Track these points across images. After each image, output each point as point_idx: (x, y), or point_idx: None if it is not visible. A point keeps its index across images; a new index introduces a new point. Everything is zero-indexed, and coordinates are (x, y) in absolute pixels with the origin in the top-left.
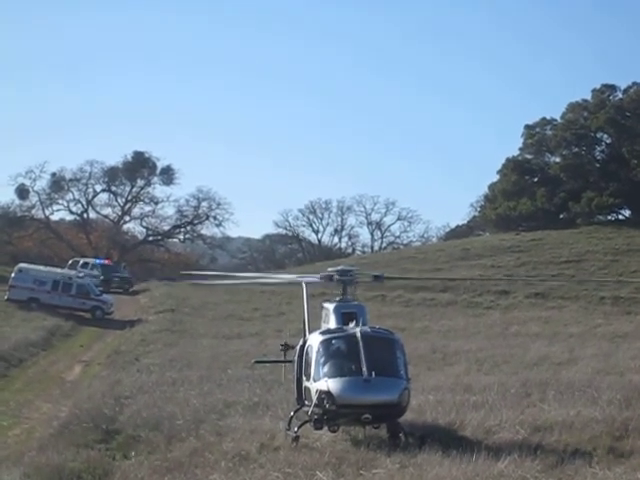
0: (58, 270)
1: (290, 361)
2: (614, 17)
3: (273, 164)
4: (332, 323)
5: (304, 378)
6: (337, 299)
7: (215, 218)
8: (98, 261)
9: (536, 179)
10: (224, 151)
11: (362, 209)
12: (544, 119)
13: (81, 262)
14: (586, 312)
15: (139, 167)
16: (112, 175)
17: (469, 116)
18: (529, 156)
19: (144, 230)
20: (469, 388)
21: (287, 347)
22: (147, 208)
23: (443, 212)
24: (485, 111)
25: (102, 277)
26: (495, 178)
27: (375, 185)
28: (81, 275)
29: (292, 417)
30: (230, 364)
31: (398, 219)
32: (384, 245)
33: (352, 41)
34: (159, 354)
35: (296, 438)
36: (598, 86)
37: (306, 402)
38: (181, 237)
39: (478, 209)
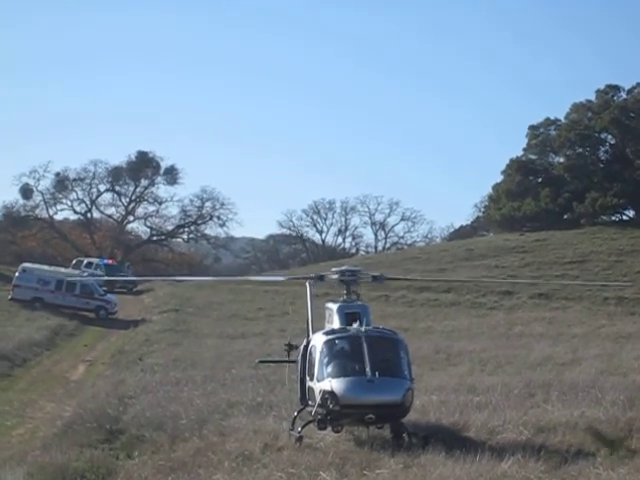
0: (62, 270)
1: (294, 361)
2: (618, 17)
3: (277, 164)
4: (336, 323)
5: (308, 378)
6: (341, 299)
7: (219, 218)
8: (102, 261)
9: (540, 179)
10: (228, 151)
11: (366, 209)
12: (548, 119)
13: (85, 262)
14: (590, 313)
15: (143, 167)
16: (116, 175)
17: (473, 116)
18: (533, 156)
19: (148, 230)
20: (472, 388)
21: (291, 347)
22: (151, 208)
23: (447, 212)
24: (489, 111)
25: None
26: (499, 178)
27: (379, 185)
28: (85, 275)
29: (296, 417)
30: (234, 364)
31: (402, 219)
32: (388, 245)
33: (352, 41)
34: (163, 354)
35: (300, 438)
36: (602, 87)
37: (310, 402)
38: (185, 237)
39: (482, 209)
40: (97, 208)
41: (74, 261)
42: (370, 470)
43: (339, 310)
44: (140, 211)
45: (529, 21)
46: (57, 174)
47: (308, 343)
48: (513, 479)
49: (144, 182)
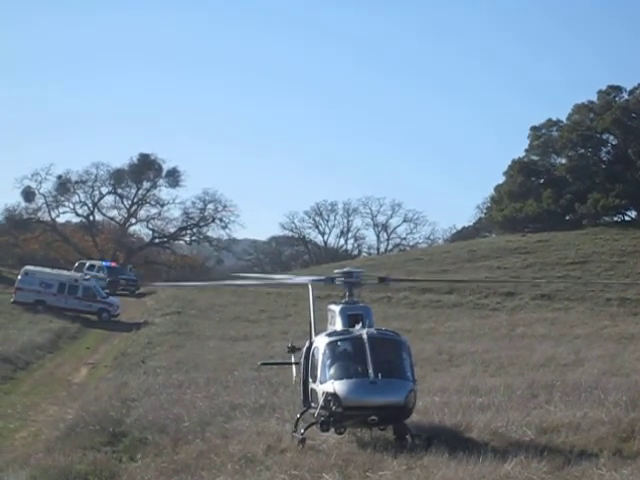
0: (64, 272)
1: (296, 363)
2: (620, 18)
3: (279, 165)
4: (338, 325)
5: (310, 380)
6: (343, 301)
7: (221, 220)
8: (104, 263)
9: (542, 180)
10: (230, 153)
11: (368, 211)
12: (550, 120)
13: (87, 264)
14: (592, 313)
15: (145, 169)
16: (118, 177)
17: (475, 117)
18: (535, 157)
19: (150, 232)
20: (475, 390)
21: (293, 349)
22: (153, 210)
23: (449, 214)
24: (491, 112)
25: (108, 279)
26: (501, 179)
27: (381, 187)
28: (87, 277)
29: (298, 419)
30: (236, 366)
31: (404, 221)
32: (390, 247)
33: (352, 41)
34: (165, 356)
35: (302, 440)
36: (604, 87)
37: (312, 404)
38: (187, 239)
39: (484, 211)
40: (99, 211)
41: (76, 264)
42: (373, 472)
43: (341, 312)
44: (142, 213)
45: (530, 21)
46: (59, 177)
47: (311, 345)
48: None
49: (146, 184)
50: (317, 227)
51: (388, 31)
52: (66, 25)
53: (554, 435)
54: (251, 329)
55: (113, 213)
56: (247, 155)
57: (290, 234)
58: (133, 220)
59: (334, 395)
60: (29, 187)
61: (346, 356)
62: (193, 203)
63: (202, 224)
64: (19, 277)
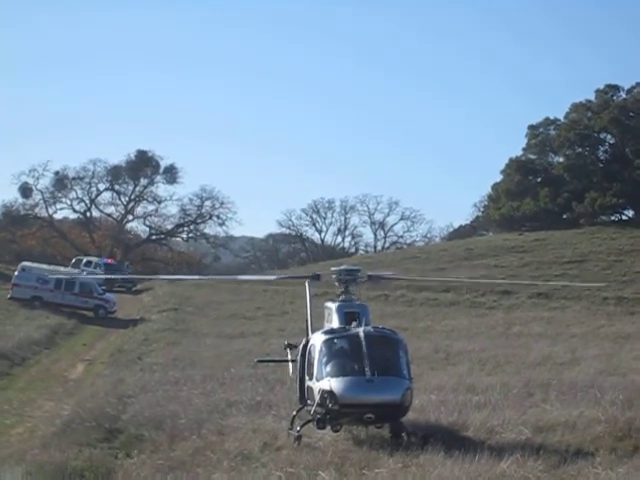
0: (61, 268)
1: (293, 360)
2: (618, 17)
3: (276, 163)
4: (335, 323)
5: (307, 377)
6: (340, 299)
7: (218, 217)
8: (102, 260)
9: (539, 179)
10: (227, 150)
11: (365, 209)
12: (547, 119)
13: (84, 261)
14: (589, 312)
15: (142, 166)
16: (115, 174)
17: (473, 116)
18: (532, 156)
19: (147, 229)
20: (472, 388)
21: (290, 346)
22: (150, 207)
23: (446, 212)
24: (489, 111)
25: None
26: (498, 178)
27: (378, 185)
28: (84, 274)
29: (295, 416)
30: (233, 363)
31: (401, 219)
32: (387, 245)
33: (352, 41)
34: (162, 353)
35: (299, 437)
36: (602, 86)
37: (309, 401)
38: (184, 236)
39: (481, 209)
40: (96, 207)
41: (73, 260)
42: (369, 469)
43: (338, 309)
44: (139, 210)
45: (528, 21)
46: (56, 173)
47: (307, 342)
48: (512, 479)
49: (143, 181)
50: (314, 225)
51: (388, 31)
52: (65, 24)
53: (550, 434)
54: (248, 326)
55: (110, 209)
56: (244, 152)
57: (287, 231)
58: (130, 217)
59: (330, 393)
60: (26, 183)
61: (343, 354)
62: (190, 200)
63: (199, 221)
64: (16, 273)
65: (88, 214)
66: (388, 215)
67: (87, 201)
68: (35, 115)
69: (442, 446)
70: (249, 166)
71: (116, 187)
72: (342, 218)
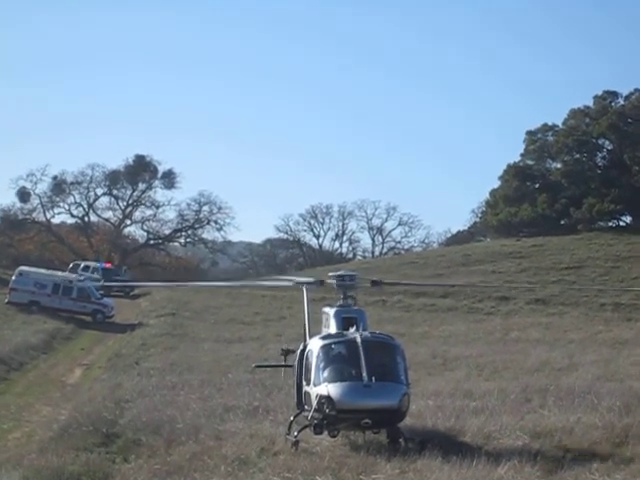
0: (59, 273)
1: (290, 366)
2: (617, 23)
3: (274, 168)
4: (332, 328)
5: (304, 383)
6: (337, 304)
7: (216, 222)
8: (99, 265)
9: (537, 185)
10: (225, 154)
11: (363, 214)
12: (546, 125)
13: (82, 265)
14: (587, 318)
15: (140, 171)
16: (113, 178)
17: (471, 121)
18: (530, 162)
19: (145, 234)
20: (469, 394)
21: (287, 352)
22: (148, 212)
23: (444, 218)
24: (487, 116)
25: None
26: (496, 184)
27: (376, 190)
28: (82, 278)
29: (292, 422)
30: (231, 368)
31: (399, 224)
32: (385, 250)
33: (351, 41)
34: (160, 358)
35: (296, 443)
36: (600, 92)
37: (306, 407)
38: (182, 241)
39: (479, 215)
40: (94, 212)
41: (71, 265)
42: (366, 475)
43: (336, 315)
44: (137, 215)
45: (527, 26)
46: (54, 177)
47: (305, 348)
48: None
49: (141, 186)
50: (312, 230)
51: (387, 31)
52: (62, 26)
53: (547, 439)
54: (246, 331)
55: (108, 214)
56: (243, 157)
57: (285, 237)
58: (128, 221)
59: (328, 398)
60: (24, 188)
61: (340, 359)
62: (188, 205)
63: (197, 226)
64: (13, 277)
65: (86, 219)
66: (386, 220)
67: (85, 206)
68: (33, 119)
69: (439, 451)
70: (247, 170)
71: (114, 192)
72: (340, 223)
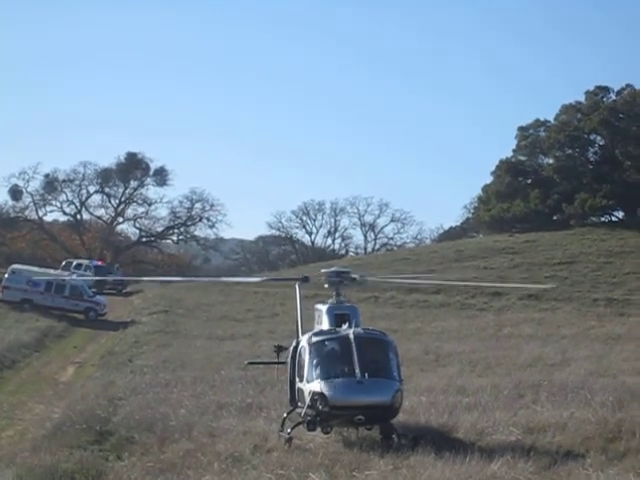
0: (51, 271)
1: (283, 362)
2: (608, 19)
3: (266, 165)
4: (325, 324)
5: (297, 379)
6: (330, 300)
7: (208, 219)
8: (92, 262)
9: (529, 181)
10: (217, 152)
11: (355, 210)
12: (537, 121)
13: (74, 263)
14: (579, 314)
15: (132, 168)
16: (105, 176)
17: (463, 118)
18: (522, 158)
19: (137, 231)
20: (462, 390)
21: (280, 348)
22: (140, 209)
23: (436, 214)
24: (479, 113)
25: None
26: (489, 180)
27: (368, 186)
28: (74, 275)
29: (285, 418)
30: (223, 365)
31: (391, 220)
32: (377, 246)
33: (349, 41)
34: (152, 355)
35: (289, 439)
36: (592, 88)
37: (299, 403)
38: (174, 238)
39: (472, 211)
40: (86, 209)
41: (63, 262)
42: (359, 471)
43: (328, 311)
44: (129, 212)
45: (519, 23)
46: (46, 175)
47: (297, 344)
48: None
49: (133, 183)
50: (304, 227)
51: (375, 29)
52: (55, 25)
53: (540, 435)
54: (238, 328)
55: (100, 212)
56: (235, 154)
57: (277, 233)
58: (120, 219)
59: (321, 394)
60: (16, 186)
61: (333, 356)
62: (180, 202)
63: (189, 223)
64: (6, 276)
65: (78, 216)
66: (378, 217)
67: (77, 203)
68: (25, 117)
69: (432, 448)
70: (239, 168)
71: (106, 189)
72: (332, 220)
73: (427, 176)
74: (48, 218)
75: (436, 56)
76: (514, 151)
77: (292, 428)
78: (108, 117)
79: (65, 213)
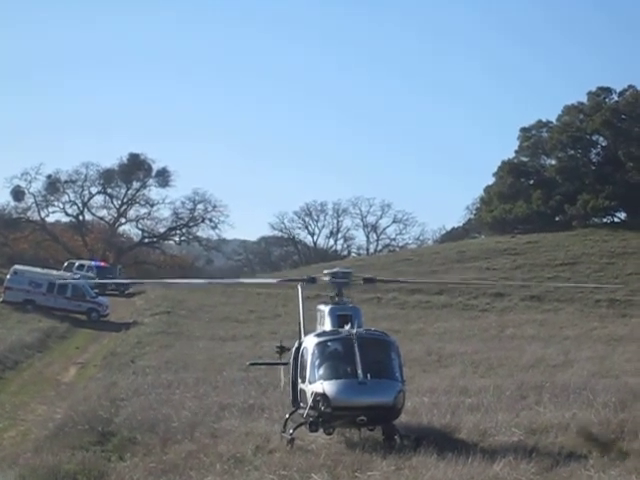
0: (54, 272)
1: (285, 363)
2: (610, 20)
3: (269, 166)
4: (327, 325)
5: (299, 380)
6: (332, 301)
7: (211, 220)
8: (94, 263)
9: (532, 182)
10: (220, 153)
11: (358, 211)
12: (540, 121)
13: (77, 264)
14: (582, 315)
15: (135, 169)
16: (108, 177)
17: (465, 118)
18: (525, 159)
19: (140, 232)
20: (464, 390)
21: (282, 349)
22: (143, 210)
23: (439, 215)
24: (481, 113)
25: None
26: (491, 180)
27: (371, 187)
28: (77, 277)
29: (287, 419)
30: (225, 366)
31: (394, 221)
32: (380, 247)
33: (349, 41)
34: (155, 356)
35: (291, 440)
36: (594, 89)
37: (301, 404)
38: (177, 239)
39: (474, 212)
40: (89, 210)
41: (66, 263)
42: (362, 472)
43: (331, 312)
44: (132, 213)
45: (521, 23)
46: (49, 176)
47: (300, 345)
48: None
49: (136, 184)
50: (307, 227)
51: (375, 29)
52: (56, 25)
53: (543, 436)
54: (240, 329)
55: (103, 213)
56: (237, 155)
57: (280, 234)
58: (123, 220)
59: (323, 395)
60: (19, 186)
61: (335, 356)
62: (183, 203)
63: (192, 224)
64: (8, 276)
65: (80, 217)
66: (381, 218)
67: (79, 204)
68: (27, 118)
69: (435, 448)
70: (241, 168)
71: (108, 190)
72: (334, 221)
73: (429, 177)
74: (50, 219)
75: (437, 56)
76: (516, 152)
77: (294, 429)
78: (110, 118)
79: (67, 214)
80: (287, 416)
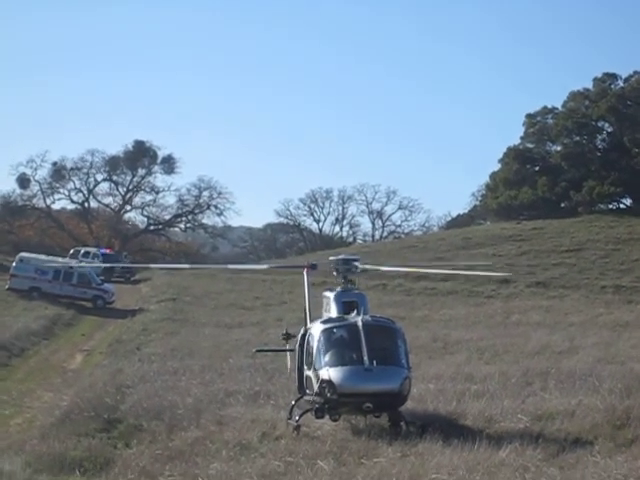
0: (59, 259)
1: (291, 350)
2: (616, 6)
3: (274, 153)
4: (333, 312)
5: (305, 367)
6: (338, 288)
7: (216, 207)
8: (100, 250)
9: (537, 168)
10: (225, 140)
11: (363, 198)
12: (545, 108)
13: (82, 251)
14: (587, 301)
15: (140, 156)
16: (113, 164)
17: (471, 105)
18: (530, 145)
19: (145, 219)
20: (470, 377)
21: (289, 336)
22: (148, 197)
23: (444, 201)
24: (487, 100)
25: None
26: (496, 167)
27: (376, 174)
28: (82, 264)
29: (293, 406)
30: (231, 353)
31: (399, 208)
32: (385, 234)
33: (352, 36)
34: (160, 343)
35: (297, 427)
36: (599, 75)
37: (307, 391)
38: (182, 226)
39: (479, 198)
40: (94, 197)
41: (71, 251)
42: (368, 459)
43: (336, 299)
44: (137, 200)
45: (527, 10)
46: (54, 163)
47: (306, 332)
48: (511, 467)
49: (141, 171)
50: (312, 214)
51: (384, 22)
52: (62, 16)
53: (549, 422)
54: (246, 316)
55: (108, 200)
56: (242, 142)
57: (285, 221)
58: (128, 207)
59: (329, 382)
60: (24, 174)
61: (341, 343)
62: (188, 190)
63: (197, 211)
64: (14, 264)
65: (86, 205)
66: (386, 204)
67: (85, 192)
68: (33, 105)
69: (441, 435)
70: (246, 155)
71: (114, 177)
72: (340, 208)
73: (435, 164)
74: (56, 206)
75: (443, 44)
76: (522, 138)
77: (300, 416)
78: (116, 105)
79: (73, 201)
80: (293, 403)
